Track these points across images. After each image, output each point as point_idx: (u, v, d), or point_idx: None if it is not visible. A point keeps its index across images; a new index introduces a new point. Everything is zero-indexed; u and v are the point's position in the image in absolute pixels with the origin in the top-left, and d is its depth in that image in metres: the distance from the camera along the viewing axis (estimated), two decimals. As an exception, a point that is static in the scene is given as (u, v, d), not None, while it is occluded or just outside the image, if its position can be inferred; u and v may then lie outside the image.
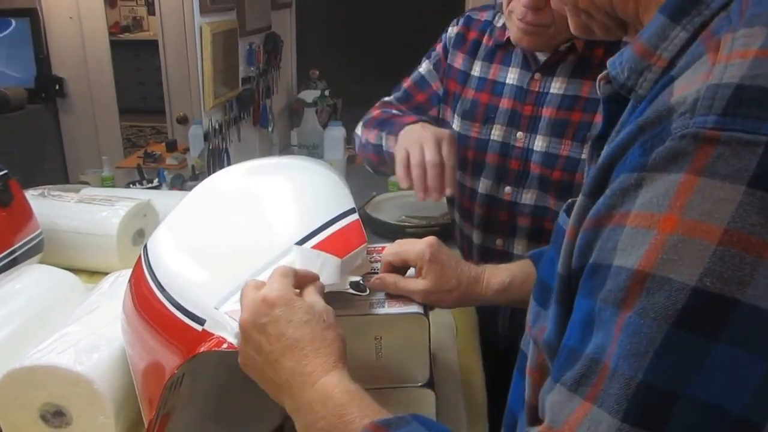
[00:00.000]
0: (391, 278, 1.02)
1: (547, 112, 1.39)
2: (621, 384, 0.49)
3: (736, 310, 0.46)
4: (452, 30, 1.61)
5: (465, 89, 1.53)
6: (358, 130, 1.68)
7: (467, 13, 1.62)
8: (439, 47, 1.63)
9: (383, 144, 1.49)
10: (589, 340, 0.53)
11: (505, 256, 1.49)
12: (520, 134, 1.43)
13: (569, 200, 0.74)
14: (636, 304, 0.50)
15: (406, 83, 1.69)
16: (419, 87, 1.65)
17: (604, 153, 0.58)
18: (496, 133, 1.46)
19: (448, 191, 1.28)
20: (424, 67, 1.66)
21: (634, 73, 0.61)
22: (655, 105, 0.54)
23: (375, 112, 1.67)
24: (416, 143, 1.30)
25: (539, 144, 1.40)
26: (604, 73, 0.67)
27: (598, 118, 1.30)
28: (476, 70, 1.52)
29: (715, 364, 0.47)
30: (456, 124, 1.54)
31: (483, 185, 1.49)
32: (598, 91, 0.70)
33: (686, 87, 0.52)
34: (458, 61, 1.56)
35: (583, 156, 1.33)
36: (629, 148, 0.54)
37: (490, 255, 1.52)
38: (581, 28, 0.73)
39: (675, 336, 0.48)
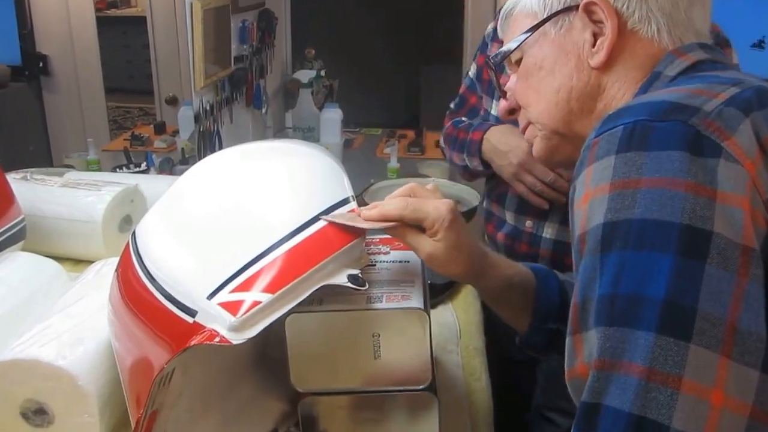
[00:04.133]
0: (403, 228, 1.00)
1: None
2: (590, 306, 0.72)
3: (631, 224, 0.70)
4: (491, 26, 1.76)
5: (502, 75, 1.61)
6: (442, 143, 1.90)
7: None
8: (480, 46, 1.80)
9: (468, 164, 1.73)
10: None
11: (536, 239, 1.61)
12: None
13: None
14: (583, 254, 0.75)
15: (461, 89, 1.88)
16: (471, 90, 1.83)
17: None
18: None
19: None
20: (471, 70, 1.82)
21: None
22: None
23: (448, 126, 1.85)
24: (521, 171, 1.54)
25: None
26: None
27: None
28: None
29: (631, 266, 0.70)
30: (494, 109, 1.68)
31: None
32: None
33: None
34: (494, 50, 1.68)
35: None
36: None
37: (519, 236, 1.64)
38: (548, 150, 1.03)
39: (603, 258, 0.71)
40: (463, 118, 1.82)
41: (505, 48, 1.04)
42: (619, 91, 0.93)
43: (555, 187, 1.52)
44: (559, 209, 1.55)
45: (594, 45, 0.93)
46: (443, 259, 0.99)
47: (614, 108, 0.88)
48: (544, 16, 0.97)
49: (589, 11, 0.93)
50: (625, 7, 0.92)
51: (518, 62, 1.03)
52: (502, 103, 1.10)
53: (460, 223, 1.00)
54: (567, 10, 0.96)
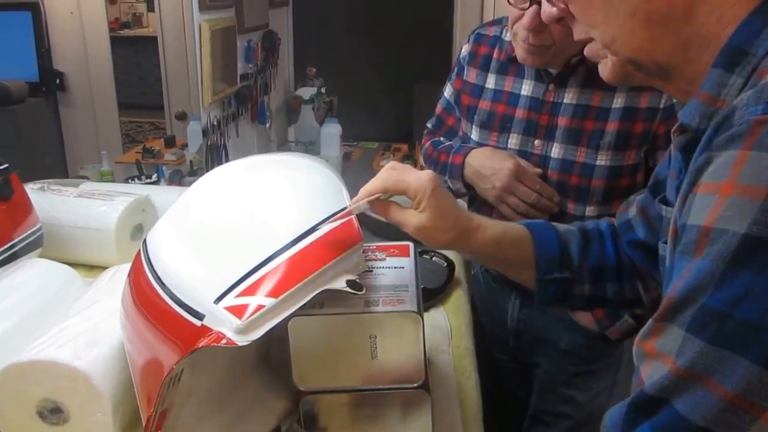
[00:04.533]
0: (386, 204, 0.97)
1: (562, 122, 1.46)
2: (688, 307, 0.62)
3: None
4: (465, 49, 1.69)
5: (480, 101, 1.60)
6: (422, 162, 1.83)
7: (476, 31, 1.69)
8: (455, 68, 1.72)
9: (451, 186, 1.64)
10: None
11: None
12: (537, 142, 1.50)
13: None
14: (703, 252, 0.62)
15: (438, 110, 1.80)
16: (447, 112, 1.76)
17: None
18: (513, 141, 1.54)
19: (555, 203, 1.48)
20: (447, 91, 1.76)
21: (704, 118, 0.72)
22: (725, 111, 0.67)
23: (427, 146, 1.78)
24: (505, 194, 1.49)
25: (556, 151, 1.47)
26: (677, 125, 0.77)
27: (609, 127, 1.42)
28: (490, 82, 1.59)
29: (760, 292, 0.58)
30: (475, 134, 1.62)
31: None
32: (673, 142, 0.80)
33: (744, 95, 0.66)
34: (472, 75, 1.64)
35: (598, 162, 1.43)
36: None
37: None
38: (620, 76, 0.82)
39: (729, 272, 0.60)
40: (441, 139, 1.76)
41: None
42: (714, 14, 0.72)
43: (538, 207, 1.48)
44: None
45: None
46: (431, 228, 0.96)
47: (709, 33, 0.73)
48: None
49: None
50: None
51: None
52: (546, 6, 0.92)
53: (442, 191, 0.96)
54: None
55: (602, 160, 1.42)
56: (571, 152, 1.45)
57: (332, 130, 3.83)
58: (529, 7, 1.34)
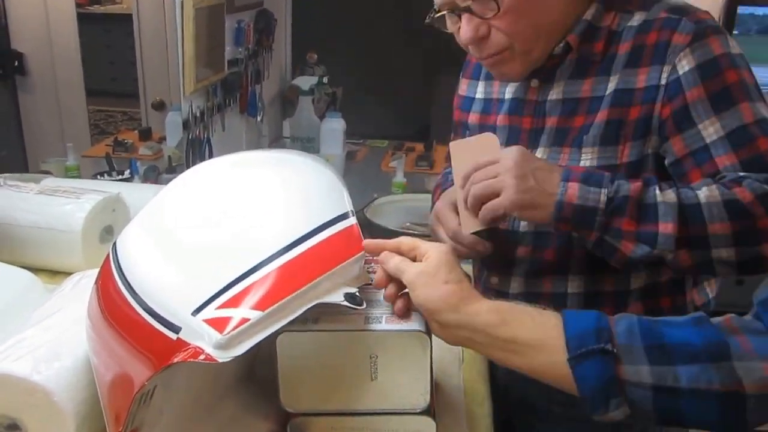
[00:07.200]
0: (395, 259, 1.01)
1: (549, 122, 1.40)
2: None
3: None
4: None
5: (470, 115, 1.58)
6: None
7: None
8: None
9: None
10: None
11: (502, 297, 1.29)
12: None
13: None
14: None
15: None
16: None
17: None
18: None
19: None
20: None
21: None
22: None
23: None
24: None
25: (539, 156, 1.39)
26: None
27: (599, 117, 1.32)
28: (480, 92, 1.58)
29: None
30: None
31: None
32: None
33: None
34: (463, 88, 1.63)
35: (582, 162, 1.33)
36: None
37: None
38: None
39: None
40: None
41: None
42: None
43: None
44: (524, 257, 1.43)
45: None
46: (430, 275, 0.98)
47: None
48: None
49: None
50: None
51: None
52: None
53: (454, 258, 1.01)
54: None
55: (587, 159, 1.33)
56: (555, 155, 1.38)
57: (334, 125, 3.83)
58: (458, 23, 1.35)
